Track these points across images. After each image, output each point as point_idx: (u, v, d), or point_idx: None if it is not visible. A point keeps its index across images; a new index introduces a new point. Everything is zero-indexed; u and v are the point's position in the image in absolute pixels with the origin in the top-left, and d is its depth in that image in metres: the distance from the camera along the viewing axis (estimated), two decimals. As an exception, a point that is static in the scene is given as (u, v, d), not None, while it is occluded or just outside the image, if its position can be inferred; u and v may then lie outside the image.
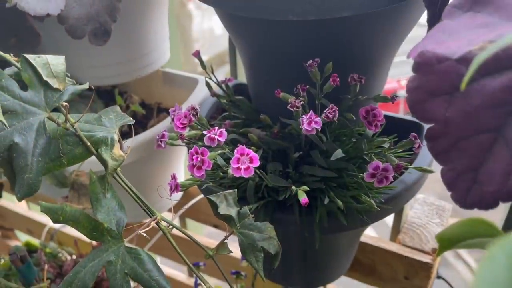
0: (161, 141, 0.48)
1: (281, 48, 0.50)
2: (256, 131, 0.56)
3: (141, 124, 0.81)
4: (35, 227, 1.21)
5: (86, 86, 0.40)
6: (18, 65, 0.39)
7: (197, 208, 0.91)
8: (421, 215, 0.81)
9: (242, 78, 0.86)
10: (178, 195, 0.91)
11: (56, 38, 0.63)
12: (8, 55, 0.39)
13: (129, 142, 0.70)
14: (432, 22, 0.37)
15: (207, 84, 0.62)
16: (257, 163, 0.40)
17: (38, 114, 0.37)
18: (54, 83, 0.38)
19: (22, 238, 1.32)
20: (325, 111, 0.44)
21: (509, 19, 0.29)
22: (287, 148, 0.54)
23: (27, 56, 0.38)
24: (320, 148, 0.51)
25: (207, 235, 1.27)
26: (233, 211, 0.42)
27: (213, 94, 0.63)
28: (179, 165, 0.82)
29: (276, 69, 0.54)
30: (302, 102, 0.45)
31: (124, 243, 0.40)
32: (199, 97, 0.75)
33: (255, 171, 0.43)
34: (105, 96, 0.81)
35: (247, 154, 0.39)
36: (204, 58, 0.67)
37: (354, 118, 0.53)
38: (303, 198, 0.43)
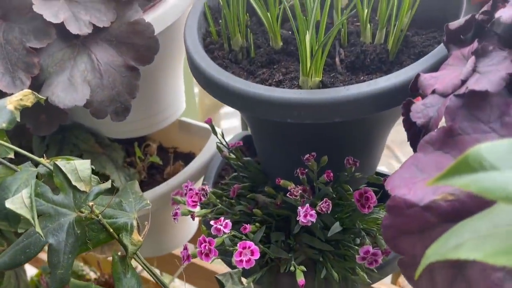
0: (174, 218, 0.54)
1: (282, 133, 0.55)
2: (262, 198, 0.62)
3: (158, 170, 0.87)
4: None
5: (108, 185, 0.46)
6: (49, 165, 0.45)
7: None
8: (422, 258, 0.85)
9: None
10: (193, 229, 0.97)
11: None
12: (42, 158, 0.45)
13: (147, 195, 0.76)
14: (413, 142, 0.41)
15: (218, 148, 0.68)
16: (257, 256, 0.45)
17: (68, 215, 0.43)
18: (81, 187, 0.44)
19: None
20: (319, 204, 0.49)
21: (471, 168, 0.33)
22: (289, 215, 0.59)
23: (58, 163, 0.44)
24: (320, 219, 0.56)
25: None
26: (237, 291, 0.48)
27: (224, 156, 0.68)
28: (193, 209, 0.88)
29: (278, 145, 0.59)
30: (300, 191, 0.50)
31: (142, 320, 0.46)
32: (213, 147, 0.81)
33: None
34: (123, 142, 0.87)
35: (249, 247, 0.45)
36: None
37: (351, 190, 0.58)
38: (300, 279, 0.48)
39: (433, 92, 0.39)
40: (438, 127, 0.37)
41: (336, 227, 0.55)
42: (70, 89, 0.55)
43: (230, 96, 0.49)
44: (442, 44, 0.46)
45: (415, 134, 0.41)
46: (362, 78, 0.49)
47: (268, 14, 0.53)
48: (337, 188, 0.58)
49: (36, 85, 0.56)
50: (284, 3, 0.48)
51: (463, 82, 0.37)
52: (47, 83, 0.55)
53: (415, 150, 0.41)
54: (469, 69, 0.37)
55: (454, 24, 0.43)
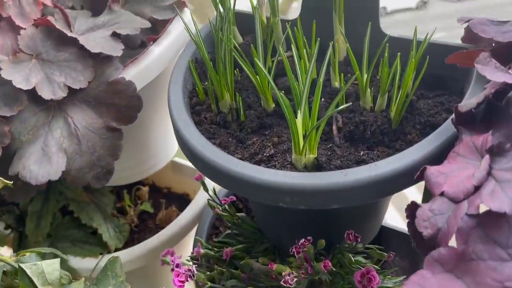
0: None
1: (276, 209, 0.50)
2: (257, 265, 0.57)
3: (150, 215, 0.82)
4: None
5: (81, 284, 0.41)
6: (15, 264, 0.41)
7: None
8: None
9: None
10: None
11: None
12: (8, 257, 0.41)
13: (137, 250, 0.72)
14: (420, 246, 0.36)
15: (210, 205, 0.63)
16: None
17: (35, 323, 0.39)
18: (50, 291, 0.39)
19: None
20: (315, 298, 0.44)
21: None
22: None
23: (23, 266, 0.39)
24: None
25: None
26: None
27: (216, 213, 0.64)
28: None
29: (273, 216, 0.54)
30: (295, 278, 0.45)
31: None
32: (204, 196, 0.76)
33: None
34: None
35: None
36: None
37: (353, 259, 0.53)
38: None
39: (442, 193, 0.34)
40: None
41: (337, 304, 0.50)
42: (43, 161, 0.50)
43: (215, 174, 0.44)
44: (450, 120, 0.41)
45: (422, 238, 0.36)
46: (362, 153, 0.44)
47: (258, 77, 0.48)
48: (337, 256, 0.54)
49: (8, 155, 0.51)
50: (272, 84, 0.43)
51: (476, 188, 0.32)
52: (18, 154, 0.51)
53: (422, 253, 0.37)
54: (483, 173, 0.32)
55: (464, 107, 0.38)
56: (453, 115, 0.41)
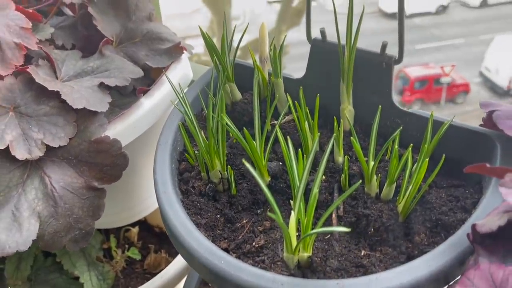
0: None
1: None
2: None
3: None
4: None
5: None
6: None
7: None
8: None
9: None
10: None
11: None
12: None
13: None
14: None
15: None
16: None
17: None
18: None
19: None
20: None
21: None
22: None
23: None
24: None
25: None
26: None
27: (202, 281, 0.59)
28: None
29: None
30: None
31: None
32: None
33: None
34: (104, 222, 0.79)
35: None
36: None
37: None
38: None
39: None
40: None
41: None
42: (12, 229, 0.46)
43: (197, 265, 0.40)
44: (465, 233, 0.36)
45: None
46: (362, 252, 0.39)
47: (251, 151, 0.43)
48: None
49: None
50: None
51: None
52: (-14, 220, 0.46)
53: None
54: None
55: (483, 227, 0.32)
56: (469, 222, 0.36)
